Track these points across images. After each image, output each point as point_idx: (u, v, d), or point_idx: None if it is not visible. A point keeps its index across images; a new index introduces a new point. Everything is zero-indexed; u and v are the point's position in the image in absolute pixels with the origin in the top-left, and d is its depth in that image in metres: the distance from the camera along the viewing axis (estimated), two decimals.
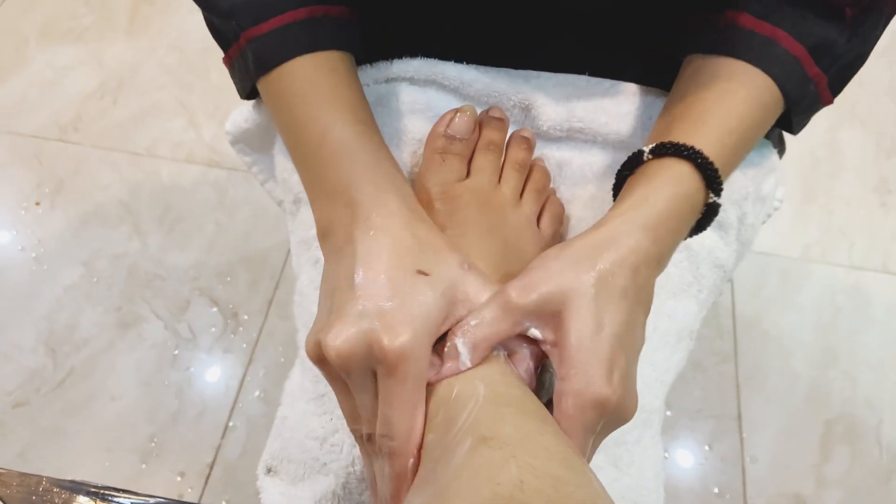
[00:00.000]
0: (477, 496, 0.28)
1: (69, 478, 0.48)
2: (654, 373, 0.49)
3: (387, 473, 0.36)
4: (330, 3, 0.45)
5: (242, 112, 0.60)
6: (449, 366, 0.37)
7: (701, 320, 0.54)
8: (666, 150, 0.41)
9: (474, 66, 0.53)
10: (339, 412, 0.47)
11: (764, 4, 0.44)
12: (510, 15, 0.51)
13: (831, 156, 1.34)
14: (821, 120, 1.45)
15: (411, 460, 0.35)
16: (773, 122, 0.45)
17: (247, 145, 0.63)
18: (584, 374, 0.35)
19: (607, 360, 0.35)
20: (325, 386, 0.48)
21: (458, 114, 0.46)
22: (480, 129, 0.48)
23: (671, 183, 0.41)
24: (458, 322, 0.38)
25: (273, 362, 1.08)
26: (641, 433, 0.48)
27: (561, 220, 0.51)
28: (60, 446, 1.00)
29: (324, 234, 0.42)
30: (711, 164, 0.41)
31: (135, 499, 0.48)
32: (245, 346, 1.09)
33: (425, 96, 0.53)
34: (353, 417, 0.38)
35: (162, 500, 0.48)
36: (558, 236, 0.50)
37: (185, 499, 0.97)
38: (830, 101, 0.48)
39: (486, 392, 0.34)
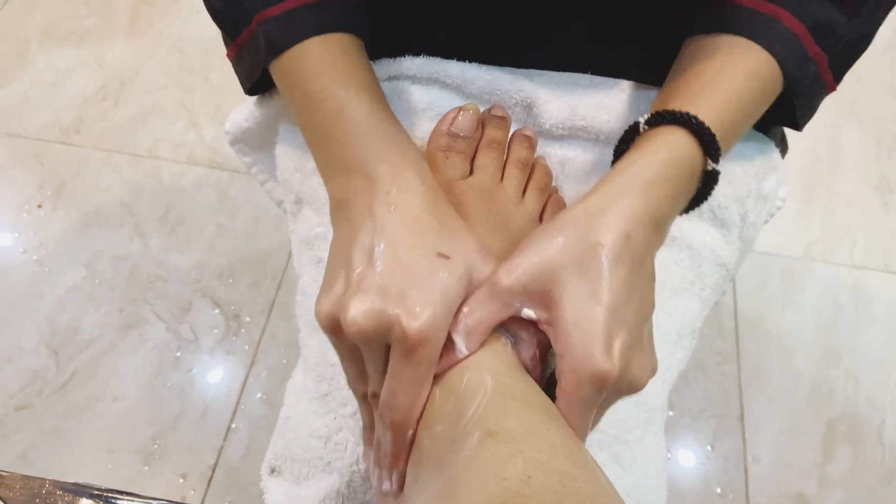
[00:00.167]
0: (484, 490, 0.28)
1: (71, 480, 0.48)
2: (657, 371, 0.49)
3: (387, 437, 0.37)
4: None
5: (243, 111, 0.60)
6: (448, 357, 0.37)
7: (703, 319, 0.54)
8: (662, 118, 0.41)
9: (476, 64, 0.53)
10: (342, 411, 0.47)
11: None
12: (516, 5, 0.51)
13: (832, 155, 1.34)
14: (822, 119, 1.45)
15: (411, 431, 0.36)
16: (772, 99, 0.45)
17: (247, 145, 0.63)
18: (579, 351, 0.34)
19: (603, 333, 0.34)
20: (327, 385, 0.48)
21: (462, 112, 0.47)
22: (483, 127, 0.48)
23: (665, 148, 0.40)
24: None
25: (275, 363, 1.08)
26: (644, 431, 0.48)
27: None
28: (63, 448, 1.00)
29: (338, 206, 0.42)
30: (708, 128, 0.40)
31: (137, 501, 0.48)
32: (247, 347, 1.09)
33: (428, 95, 0.53)
34: (356, 380, 0.39)
35: (164, 502, 0.48)
36: None
37: (188, 501, 0.97)
38: (833, 86, 0.48)
39: (493, 384, 0.34)
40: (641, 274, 0.37)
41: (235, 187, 1.26)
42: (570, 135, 0.53)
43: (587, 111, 0.52)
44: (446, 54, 0.54)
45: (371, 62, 0.53)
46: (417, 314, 0.35)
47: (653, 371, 0.37)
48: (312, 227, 0.53)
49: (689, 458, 1.02)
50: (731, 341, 1.12)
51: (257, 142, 0.62)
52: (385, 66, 0.53)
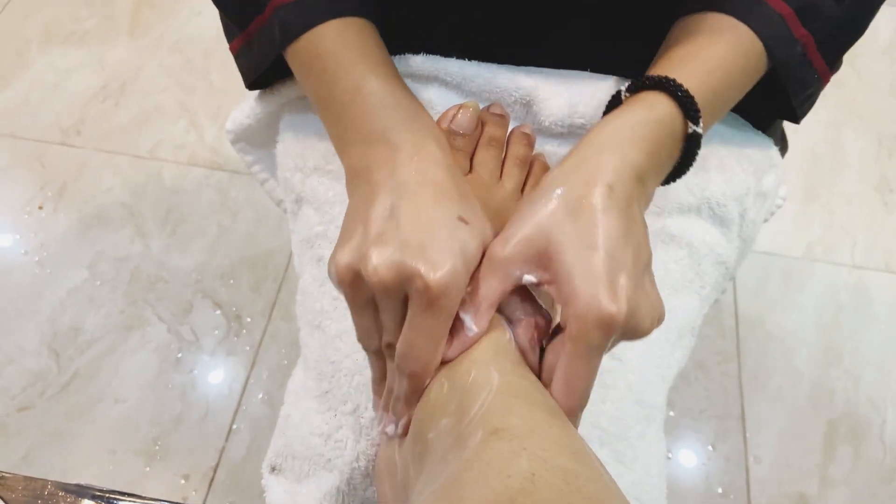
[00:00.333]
0: (488, 488, 0.28)
1: (73, 481, 0.48)
2: (656, 368, 0.49)
3: (404, 386, 0.37)
4: None
5: (244, 108, 0.60)
6: (459, 338, 0.37)
7: (703, 317, 0.54)
8: (642, 84, 0.42)
9: (476, 62, 0.54)
10: (342, 409, 0.47)
11: None
12: (516, 5, 0.51)
13: (833, 155, 1.34)
14: (822, 118, 1.45)
15: (428, 380, 0.37)
16: (756, 76, 0.46)
17: (248, 143, 0.64)
18: (584, 296, 0.34)
19: (605, 277, 0.34)
20: (327, 383, 0.48)
21: (461, 110, 0.47)
22: (482, 125, 0.49)
23: (643, 109, 0.41)
24: None
25: (276, 364, 1.08)
26: (645, 429, 0.48)
27: None
28: (64, 449, 1.00)
29: (357, 174, 0.42)
30: (685, 90, 0.41)
31: (139, 502, 0.48)
32: (248, 348, 1.09)
33: (427, 93, 0.53)
34: (368, 334, 0.39)
35: (166, 502, 0.48)
36: None
37: (189, 502, 0.97)
38: (827, 73, 0.48)
39: (499, 382, 0.35)
40: (632, 222, 0.38)
41: (236, 188, 1.26)
42: (569, 132, 0.53)
43: (586, 109, 0.52)
44: (446, 54, 0.54)
45: None
46: (438, 265, 0.35)
47: (659, 318, 0.37)
48: (313, 226, 0.53)
49: (690, 458, 1.02)
50: (731, 341, 1.12)
51: (258, 139, 0.63)
52: None
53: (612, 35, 0.52)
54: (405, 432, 0.39)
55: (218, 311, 1.12)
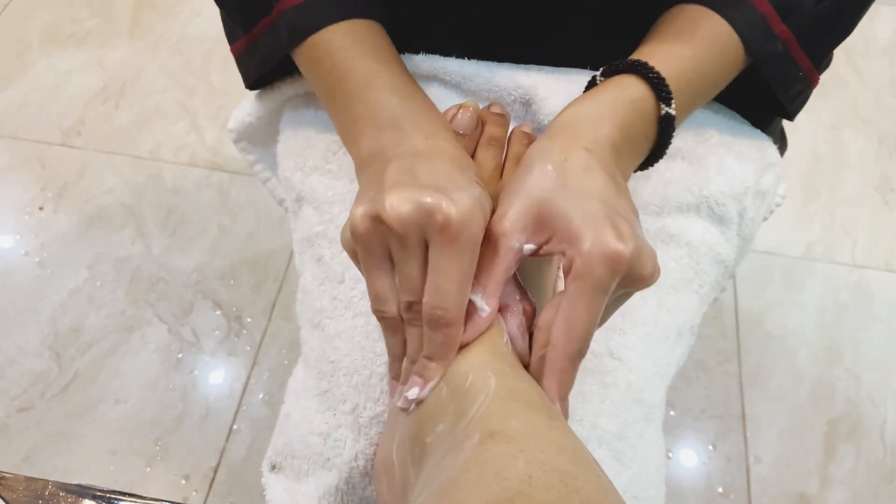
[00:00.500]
0: (485, 490, 0.28)
1: (74, 481, 0.48)
2: (655, 367, 0.49)
3: (437, 341, 0.36)
4: None
5: (244, 107, 0.61)
6: (472, 323, 0.37)
7: (702, 316, 0.54)
8: (615, 69, 0.43)
9: (475, 60, 0.54)
10: (341, 408, 0.47)
11: None
12: (516, 5, 0.51)
13: (834, 154, 1.34)
14: (823, 119, 1.45)
15: (461, 328, 0.36)
16: (734, 68, 0.47)
17: (250, 142, 0.64)
18: (589, 236, 0.34)
19: (606, 219, 0.34)
20: (327, 382, 0.49)
21: (461, 109, 0.47)
22: (482, 124, 0.49)
23: (614, 90, 0.42)
24: None
25: (277, 364, 1.08)
26: (644, 427, 0.48)
27: None
28: (65, 450, 1.00)
29: (370, 157, 0.42)
30: (656, 72, 0.41)
31: (140, 502, 0.48)
32: (249, 348, 1.09)
33: (427, 91, 0.53)
34: (383, 300, 0.38)
35: (167, 503, 0.48)
36: None
37: (190, 502, 0.97)
38: (813, 71, 0.49)
39: (496, 385, 0.34)
40: (616, 180, 0.38)
41: (237, 189, 1.26)
42: None
43: None
44: (446, 54, 0.54)
45: None
46: (458, 200, 0.35)
47: (658, 269, 0.36)
48: (313, 226, 0.53)
49: (690, 458, 1.02)
50: (732, 341, 1.12)
51: (260, 138, 0.63)
52: None
53: (612, 35, 0.52)
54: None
55: (218, 312, 1.12)
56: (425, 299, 0.36)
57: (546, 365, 0.36)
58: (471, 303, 0.37)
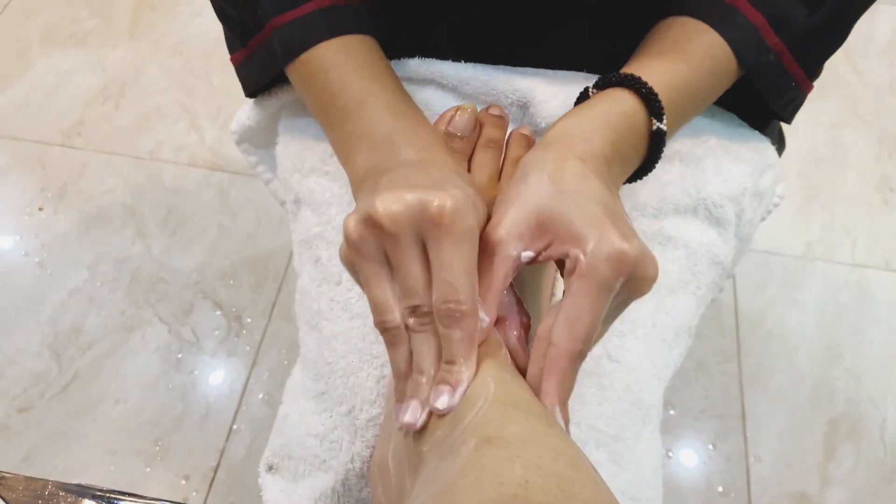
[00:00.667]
0: (481, 495, 0.28)
1: (74, 481, 0.48)
2: (653, 369, 0.49)
3: (456, 338, 0.35)
4: None
5: (245, 110, 0.61)
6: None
7: (699, 317, 0.54)
8: (608, 82, 0.43)
9: (472, 64, 0.54)
10: (337, 409, 0.47)
11: None
12: (516, 5, 0.51)
13: (833, 154, 1.34)
14: (823, 119, 1.45)
15: (477, 320, 0.35)
16: (726, 80, 0.47)
17: (251, 144, 0.64)
18: (594, 235, 0.34)
19: (609, 220, 0.34)
20: (324, 384, 0.49)
21: (459, 111, 0.47)
22: (480, 126, 0.49)
23: (605, 103, 0.42)
24: None
25: (277, 364, 1.08)
26: (641, 429, 0.48)
27: None
28: (65, 450, 1.00)
29: (363, 177, 0.42)
30: (648, 86, 0.41)
31: (140, 502, 0.49)
32: (248, 348, 1.09)
33: (424, 95, 0.53)
34: (383, 308, 0.36)
35: (167, 503, 0.48)
36: None
37: (190, 502, 0.97)
38: (806, 80, 0.49)
39: (495, 391, 0.34)
40: (610, 189, 0.38)
41: (237, 189, 1.26)
42: None
43: None
44: (446, 54, 0.54)
45: None
46: (451, 194, 0.35)
47: (658, 271, 0.36)
48: (311, 227, 0.53)
49: (690, 458, 1.02)
50: (732, 341, 1.12)
51: (260, 140, 0.63)
52: None
53: (612, 35, 0.52)
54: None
55: (218, 312, 1.12)
56: (435, 297, 0.35)
57: (546, 365, 0.35)
58: None
